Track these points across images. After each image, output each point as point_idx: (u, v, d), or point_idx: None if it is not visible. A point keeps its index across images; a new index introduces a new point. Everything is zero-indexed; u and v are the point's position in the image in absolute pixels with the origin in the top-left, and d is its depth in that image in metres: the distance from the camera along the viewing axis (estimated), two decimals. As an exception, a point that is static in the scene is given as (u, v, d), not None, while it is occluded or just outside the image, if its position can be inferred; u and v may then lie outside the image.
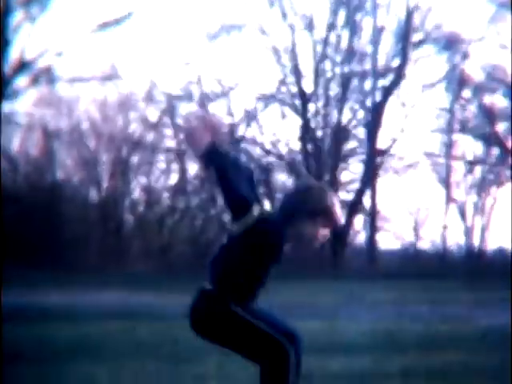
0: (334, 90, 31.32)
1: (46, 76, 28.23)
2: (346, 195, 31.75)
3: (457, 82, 31.14)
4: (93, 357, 8.04)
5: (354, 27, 30.87)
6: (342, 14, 30.93)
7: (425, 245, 32.55)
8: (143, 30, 39.30)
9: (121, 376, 7.03)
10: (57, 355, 8.16)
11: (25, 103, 29.35)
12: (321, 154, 30.88)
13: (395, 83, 30.89)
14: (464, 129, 32.04)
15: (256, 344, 4.02)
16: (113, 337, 9.87)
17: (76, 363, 7.62)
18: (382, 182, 34.25)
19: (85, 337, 9.76)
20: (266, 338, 3.99)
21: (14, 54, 28.13)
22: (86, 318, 12.16)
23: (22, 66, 27.90)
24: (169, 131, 31.39)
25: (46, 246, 26.45)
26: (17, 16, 28.13)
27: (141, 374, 7.14)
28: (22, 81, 28.17)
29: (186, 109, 30.79)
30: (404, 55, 30.66)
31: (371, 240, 31.01)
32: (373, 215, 31.15)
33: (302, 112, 31.01)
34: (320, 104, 31.41)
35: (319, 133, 31.46)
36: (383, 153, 31.41)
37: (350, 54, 30.87)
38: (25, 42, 28.75)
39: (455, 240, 32.26)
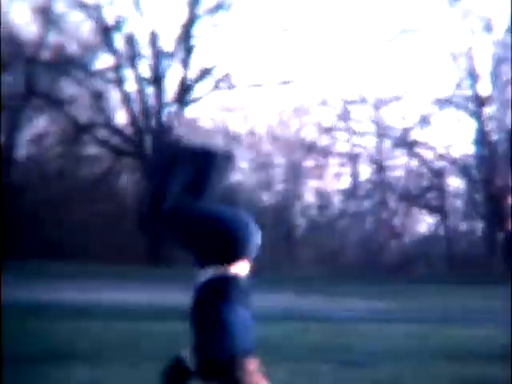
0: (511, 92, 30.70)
1: (226, 81, 29.22)
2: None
3: None
4: (270, 357, 8.41)
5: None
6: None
7: None
8: (318, 34, 39.72)
9: (297, 377, 7.22)
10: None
11: (207, 108, 30.48)
12: (495, 159, 30.35)
13: None
14: None
15: None
16: (285, 338, 10.14)
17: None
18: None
19: (260, 337, 10.19)
20: None
21: (196, 61, 29.33)
22: (260, 319, 12.63)
23: (205, 71, 28.98)
24: (341, 135, 31.77)
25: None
26: (200, 23, 29.32)
27: (315, 376, 7.36)
28: (204, 86, 29.30)
29: (359, 112, 31.21)
30: None
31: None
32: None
33: (477, 116, 30.59)
34: (496, 107, 30.87)
35: (494, 137, 30.94)
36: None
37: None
38: (207, 48, 29.86)
39: None
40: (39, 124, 28.96)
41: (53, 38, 28.53)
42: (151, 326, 10.55)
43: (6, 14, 27.46)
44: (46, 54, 28.48)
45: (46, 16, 28.29)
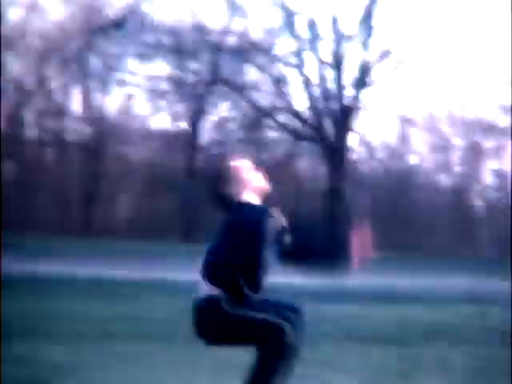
0: None
1: (406, 64, 29.05)
2: None
3: None
4: (449, 339, 8.39)
5: None
6: None
7: None
8: (500, 12, 38.86)
9: (476, 361, 7.21)
10: (413, 337, 8.60)
11: (385, 91, 30.55)
12: None
13: None
14: None
15: (256, 334, 4.15)
16: (464, 321, 10.20)
17: (432, 346, 7.94)
18: None
19: (439, 320, 10.51)
20: (263, 326, 4.13)
21: (376, 43, 29.41)
22: (439, 302, 12.72)
23: (384, 54, 29.02)
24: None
25: (393, 229, 27.32)
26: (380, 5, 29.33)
27: (493, 360, 7.26)
28: (383, 69, 29.39)
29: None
30: None
31: None
32: None
33: None
34: None
35: None
36: None
37: None
38: (387, 30, 29.76)
39: None
40: (222, 109, 29.91)
41: (237, 24, 29.32)
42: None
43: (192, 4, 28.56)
44: (230, 41, 29.29)
45: (231, 3, 29.08)
